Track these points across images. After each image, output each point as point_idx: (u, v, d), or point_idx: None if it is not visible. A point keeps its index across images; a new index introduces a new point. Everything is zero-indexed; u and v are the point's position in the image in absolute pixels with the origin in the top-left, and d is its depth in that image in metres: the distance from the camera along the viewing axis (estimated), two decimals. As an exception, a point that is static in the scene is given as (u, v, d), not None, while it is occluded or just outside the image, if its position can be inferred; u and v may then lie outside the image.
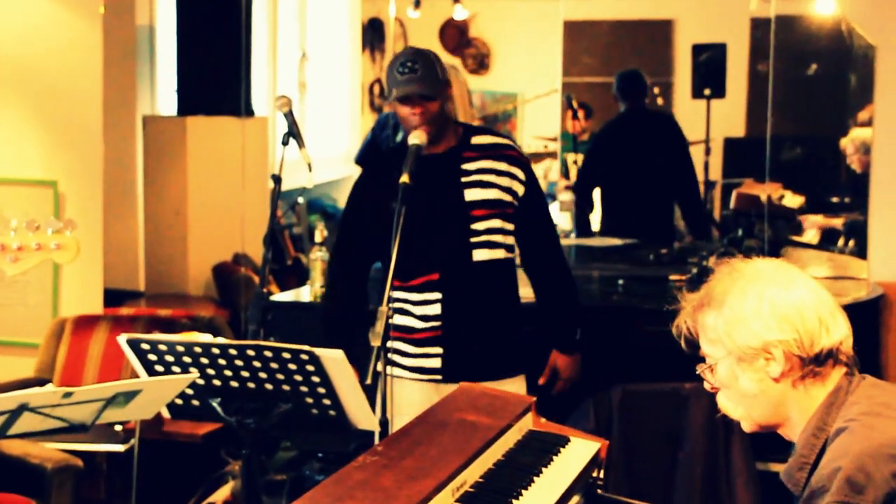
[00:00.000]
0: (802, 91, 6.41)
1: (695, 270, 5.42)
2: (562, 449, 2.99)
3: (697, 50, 6.95)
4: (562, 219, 7.01)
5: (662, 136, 6.85)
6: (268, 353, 3.03)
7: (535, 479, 2.76)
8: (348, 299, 3.96)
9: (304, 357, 3.00)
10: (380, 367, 3.16)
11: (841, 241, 6.02)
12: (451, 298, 3.83)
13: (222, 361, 3.09)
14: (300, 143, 3.79)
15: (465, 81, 5.11)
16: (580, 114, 7.17)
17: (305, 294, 5.25)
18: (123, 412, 2.89)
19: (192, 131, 7.21)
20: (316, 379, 3.04)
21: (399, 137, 5.72)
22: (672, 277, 5.54)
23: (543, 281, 4.04)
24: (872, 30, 5.57)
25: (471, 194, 3.84)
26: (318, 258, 5.10)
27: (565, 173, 7.33)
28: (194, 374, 3.07)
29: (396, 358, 3.90)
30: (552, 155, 7.90)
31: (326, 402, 3.09)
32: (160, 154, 7.23)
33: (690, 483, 4.47)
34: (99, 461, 5.07)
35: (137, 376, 3.15)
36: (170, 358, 3.13)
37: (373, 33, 9.15)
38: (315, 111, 9.41)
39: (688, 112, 6.96)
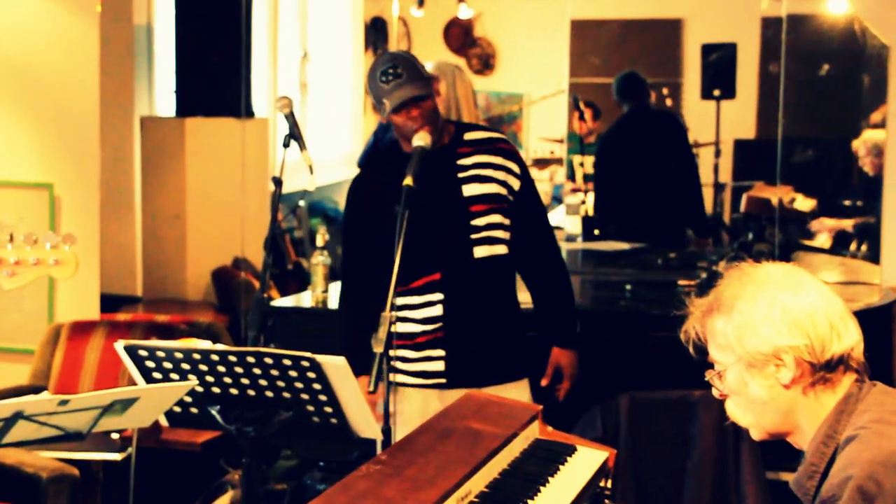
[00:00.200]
0: (814, 92, 6.46)
1: (704, 275, 5.42)
2: (568, 458, 2.99)
3: (707, 50, 7.01)
4: (569, 222, 7.01)
5: (668, 135, 6.84)
6: (268, 360, 3.03)
7: (542, 489, 2.76)
8: (368, 302, 3.87)
9: (306, 364, 3.00)
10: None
11: (853, 245, 6.05)
12: (453, 298, 3.81)
13: (222, 368, 3.08)
14: (301, 145, 3.79)
15: (470, 82, 5.08)
16: (587, 115, 7.20)
17: (307, 299, 5.23)
18: (120, 420, 2.90)
19: (190, 132, 7.20)
20: (317, 386, 3.05)
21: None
22: (681, 282, 5.52)
23: (540, 276, 4.02)
24: (886, 29, 5.59)
25: (469, 189, 3.82)
26: (319, 263, 5.08)
27: (571, 176, 7.34)
28: (193, 381, 3.07)
29: (398, 364, 3.87)
30: (558, 161, 7.91)
31: (328, 409, 3.09)
32: (158, 156, 7.23)
33: (699, 493, 4.44)
34: (95, 470, 5.03)
35: (135, 383, 3.15)
36: (168, 365, 3.12)
37: (375, 33, 9.18)
38: (317, 112, 9.46)
39: (697, 113, 7.00)
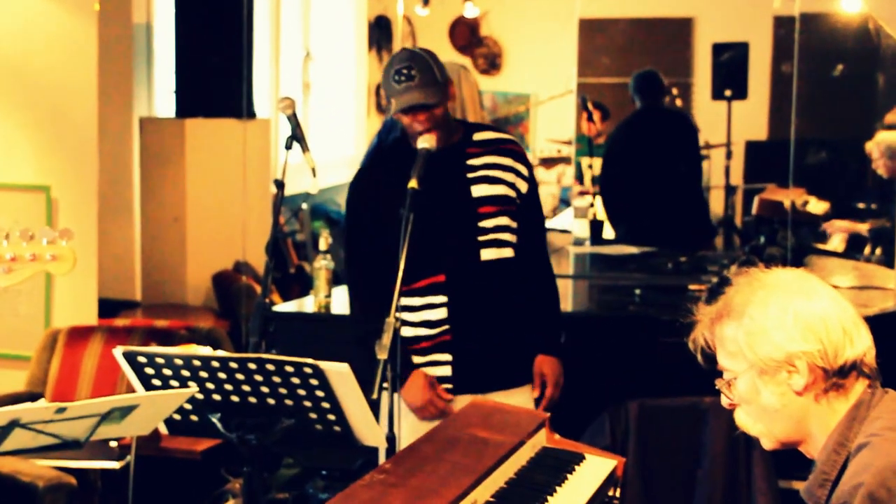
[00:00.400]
0: (828, 92, 6.50)
1: (714, 279, 5.43)
2: (576, 467, 2.99)
3: (718, 49, 7.06)
4: (577, 225, 6.99)
5: (678, 135, 6.83)
6: (270, 367, 2.99)
7: (549, 498, 2.75)
8: (379, 302, 3.81)
9: (308, 370, 2.97)
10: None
11: (867, 249, 6.05)
12: (458, 301, 3.77)
13: (222, 375, 3.04)
14: (304, 147, 3.73)
15: (476, 82, 5.04)
16: (596, 115, 7.23)
17: (309, 304, 5.22)
18: (119, 428, 2.90)
19: (190, 134, 7.22)
20: (320, 393, 3.01)
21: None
22: (691, 287, 5.52)
23: (529, 282, 3.95)
24: (901, 28, 5.55)
25: (478, 190, 3.79)
26: (322, 267, 5.07)
27: (579, 178, 7.34)
28: (193, 388, 3.05)
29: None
30: (566, 160, 7.89)
31: (331, 417, 3.06)
32: (158, 157, 7.25)
33: (710, 502, 4.41)
34: (93, 479, 5.04)
35: (133, 390, 3.11)
36: (167, 371, 3.10)
37: (379, 32, 9.22)
38: (319, 113, 9.54)
39: (708, 114, 7.04)
